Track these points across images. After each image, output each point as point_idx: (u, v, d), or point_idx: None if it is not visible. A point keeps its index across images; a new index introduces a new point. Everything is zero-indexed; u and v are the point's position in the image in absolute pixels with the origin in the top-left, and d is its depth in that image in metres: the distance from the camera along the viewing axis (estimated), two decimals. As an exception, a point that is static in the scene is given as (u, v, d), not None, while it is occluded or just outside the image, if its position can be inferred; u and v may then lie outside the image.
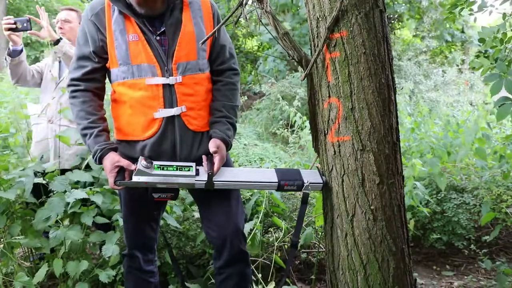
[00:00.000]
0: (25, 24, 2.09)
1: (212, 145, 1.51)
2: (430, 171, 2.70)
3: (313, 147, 1.68)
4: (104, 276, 1.90)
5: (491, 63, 1.67)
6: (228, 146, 1.57)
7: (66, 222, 2.03)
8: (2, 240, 2.19)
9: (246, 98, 7.12)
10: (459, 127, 3.50)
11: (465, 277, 2.54)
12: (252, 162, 5.66)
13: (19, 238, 1.98)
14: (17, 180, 1.75)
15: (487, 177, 2.82)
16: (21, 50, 2.25)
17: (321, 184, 1.54)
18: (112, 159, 1.44)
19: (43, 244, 1.92)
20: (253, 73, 10.67)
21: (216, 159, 1.50)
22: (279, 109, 7.08)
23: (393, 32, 9.74)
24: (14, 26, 2.07)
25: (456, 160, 3.01)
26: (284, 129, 5.97)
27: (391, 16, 9.59)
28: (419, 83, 8.00)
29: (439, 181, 2.57)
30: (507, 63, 1.58)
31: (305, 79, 1.61)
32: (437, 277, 2.61)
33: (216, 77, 1.64)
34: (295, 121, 3.89)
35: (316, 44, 1.49)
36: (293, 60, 1.63)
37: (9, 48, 2.21)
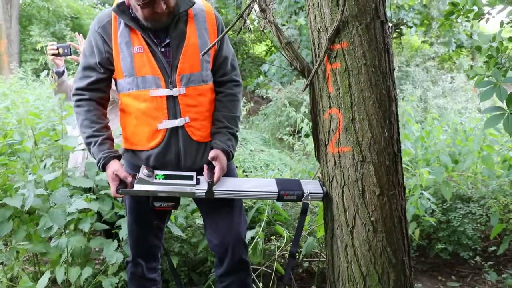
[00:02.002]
0: (66, 50, 2.33)
1: (211, 155, 1.52)
2: (435, 180, 2.67)
3: (315, 156, 1.68)
4: (107, 283, 1.91)
5: (486, 73, 1.65)
6: (229, 156, 1.58)
7: (70, 227, 2.06)
8: (8, 245, 2.22)
9: (252, 104, 7.13)
10: (467, 135, 3.46)
11: (471, 288, 2.51)
12: (258, 168, 5.67)
13: (23, 244, 2.01)
14: (19, 192, 1.77)
15: (494, 186, 2.78)
16: (63, 72, 2.45)
17: (321, 195, 1.53)
18: (113, 168, 1.46)
19: (48, 249, 1.94)
20: (260, 76, 10.69)
21: (216, 169, 1.51)
22: (285, 115, 7.09)
23: (400, 38, 9.71)
24: (56, 51, 2.32)
25: (463, 169, 2.97)
26: (290, 135, 5.97)
27: (399, 22, 9.56)
28: (427, 90, 7.94)
29: (445, 191, 2.54)
30: (502, 73, 1.56)
31: (308, 88, 1.61)
32: (442, 287, 2.57)
33: (217, 88, 1.66)
34: (302, 127, 3.88)
35: (317, 55, 1.49)
36: (296, 70, 1.64)
37: (52, 70, 2.45)
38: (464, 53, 10.44)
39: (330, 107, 1.48)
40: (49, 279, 1.94)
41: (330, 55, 1.44)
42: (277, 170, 4.17)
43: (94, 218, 1.98)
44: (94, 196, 1.89)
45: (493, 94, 1.56)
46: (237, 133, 1.64)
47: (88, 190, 2.10)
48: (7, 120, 2.68)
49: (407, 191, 2.60)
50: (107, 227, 2.00)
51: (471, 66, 2.25)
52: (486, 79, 1.60)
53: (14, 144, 2.26)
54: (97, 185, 2.03)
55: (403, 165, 2.91)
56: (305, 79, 1.59)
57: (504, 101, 1.58)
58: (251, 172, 5.33)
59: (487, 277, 2.51)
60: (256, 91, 9.49)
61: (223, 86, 1.65)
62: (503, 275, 2.49)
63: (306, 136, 4.07)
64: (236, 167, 5.21)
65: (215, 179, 1.48)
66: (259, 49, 13.24)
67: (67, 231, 1.90)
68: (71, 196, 2.04)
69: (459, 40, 9.45)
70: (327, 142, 1.52)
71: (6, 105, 3.11)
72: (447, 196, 2.57)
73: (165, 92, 1.49)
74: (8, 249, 2.10)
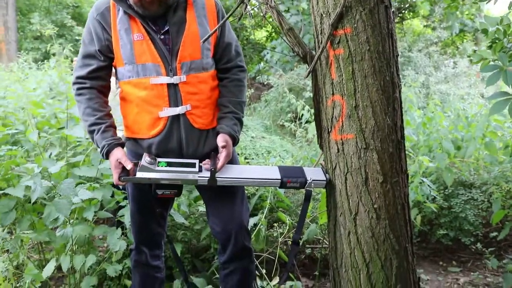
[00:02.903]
0: None
1: (221, 139, 1.51)
2: (437, 166, 2.67)
3: (318, 143, 1.67)
4: (112, 270, 1.93)
5: (491, 57, 1.61)
6: (235, 141, 1.58)
7: (74, 216, 2.07)
8: (12, 233, 2.24)
9: (253, 90, 7.08)
10: (469, 121, 3.44)
11: (472, 273, 2.53)
12: (259, 155, 5.67)
13: (28, 233, 2.02)
14: (25, 183, 1.77)
15: (497, 172, 2.78)
16: None
17: (324, 182, 1.53)
18: (116, 155, 1.46)
19: (52, 238, 1.95)
20: (261, 62, 10.60)
21: (223, 155, 1.50)
22: (287, 101, 7.05)
23: (403, 23, 9.58)
24: None
25: (465, 155, 2.96)
26: (291, 122, 5.95)
27: (402, 5, 9.41)
28: (429, 75, 7.86)
29: (446, 177, 2.54)
30: (509, 57, 1.53)
31: (310, 75, 1.60)
32: (443, 273, 2.59)
33: (222, 74, 1.64)
34: (303, 114, 3.86)
35: (320, 41, 1.47)
36: (298, 56, 1.62)
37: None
38: (467, 37, 10.31)
39: (333, 94, 1.46)
40: (55, 266, 1.97)
41: (333, 41, 1.41)
42: (279, 157, 4.17)
43: (98, 206, 1.99)
44: (97, 185, 1.90)
45: (499, 79, 1.54)
46: (242, 119, 1.63)
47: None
48: (4, 109, 2.67)
49: (409, 177, 2.60)
50: (110, 215, 2.01)
51: (475, 51, 2.22)
52: (492, 63, 1.57)
53: (17, 133, 2.26)
54: (102, 174, 2.03)
55: (406, 151, 2.91)
56: (307, 66, 1.57)
57: (511, 86, 1.56)
58: (253, 159, 5.33)
59: (488, 262, 2.53)
60: (257, 77, 9.42)
61: (228, 72, 1.63)
62: (503, 261, 2.51)
63: (308, 122, 4.06)
64: (238, 154, 5.23)
65: (219, 165, 1.47)
66: (260, 35, 13.10)
67: (71, 220, 1.91)
68: (76, 185, 2.06)
69: (462, 24, 9.31)
70: (330, 129, 1.51)
71: (5, 95, 3.10)
72: (449, 182, 2.57)
73: (165, 80, 1.48)
74: (12, 238, 2.12)
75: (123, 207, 2.06)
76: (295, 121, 6.48)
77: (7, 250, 2.27)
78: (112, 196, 2.03)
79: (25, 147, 2.54)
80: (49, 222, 1.77)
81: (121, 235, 1.94)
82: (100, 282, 2.14)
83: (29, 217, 2.04)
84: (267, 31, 12.10)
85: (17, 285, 2.05)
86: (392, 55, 1.42)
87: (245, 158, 5.37)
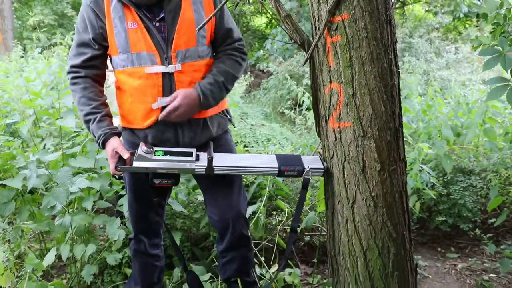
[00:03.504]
0: None
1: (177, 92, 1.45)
2: (437, 154, 2.66)
3: (316, 131, 1.67)
4: (112, 258, 1.95)
5: (491, 41, 1.58)
6: (201, 101, 1.48)
7: (73, 206, 2.07)
8: (13, 224, 2.26)
9: (252, 78, 7.01)
10: (470, 108, 3.41)
11: (470, 259, 2.54)
12: (259, 143, 5.66)
13: (28, 223, 2.03)
14: (21, 172, 1.77)
15: (496, 159, 2.77)
16: None
17: (322, 170, 1.53)
18: (112, 145, 1.46)
19: (52, 228, 1.96)
20: (261, 50, 10.49)
21: (168, 106, 1.44)
22: (286, 89, 7.01)
23: (404, 8, 9.43)
24: None
25: (465, 142, 2.95)
26: (291, 109, 5.92)
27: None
28: (430, 61, 7.78)
29: (445, 164, 2.53)
30: (509, 42, 1.50)
31: (308, 62, 1.58)
32: (441, 259, 2.61)
33: (220, 52, 1.61)
34: (303, 101, 3.84)
35: (317, 28, 1.45)
36: (296, 43, 1.60)
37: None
38: (470, 23, 10.16)
39: (330, 81, 1.45)
40: (55, 256, 1.98)
41: (330, 28, 1.39)
42: (278, 145, 4.16)
43: (97, 196, 1.99)
44: (96, 175, 1.90)
45: (497, 64, 1.51)
46: (226, 87, 1.54)
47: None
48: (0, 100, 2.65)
49: (407, 164, 2.59)
50: (109, 205, 2.01)
51: (477, 37, 2.19)
52: (491, 48, 1.54)
53: (14, 124, 2.25)
54: (101, 167, 2.03)
55: (404, 139, 2.90)
56: (305, 53, 1.55)
57: (509, 72, 1.53)
58: (252, 147, 5.32)
59: (486, 248, 2.54)
60: (257, 64, 9.34)
61: (227, 50, 1.60)
62: (501, 246, 2.52)
63: (308, 109, 4.04)
64: (237, 142, 5.21)
65: (162, 114, 1.44)
66: (260, 21, 12.95)
67: (70, 210, 1.91)
68: (74, 175, 2.06)
69: (466, 4, 9.12)
70: (327, 117, 1.50)
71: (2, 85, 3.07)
72: (448, 169, 2.57)
73: (160, 69, 1.46)
74: (13, 228, 2.13)
75: (123, 196, 2.06)
76: (295, 108, 6.45)
77: (8, 240, 2.28)
78: (111, 185, 2.04)
79: (23, 137, 2.53)
80: (47, 210, 1.77)
81: (120, 225, 1.95)
82: (101, 270, 2.16)
83: (28, 208, 2.04)
84: (267, 17, 11.95)
85: (19, 274, 2.07)
86: (390, 42, 1.40)
87: (245, 146, 5.36)
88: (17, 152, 2.08)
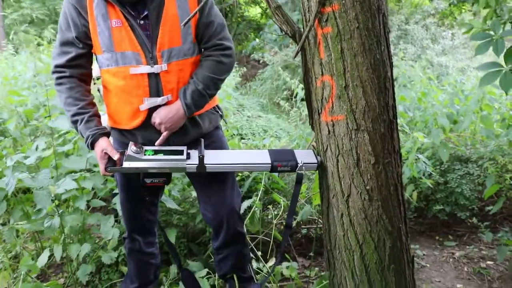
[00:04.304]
0: None
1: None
2: (433, 142, 2.64)
3: (310, 124, 1.64)
4: (107, 257, 1.94)
5: (482, 26, 1.55)
6: (185, 111, 1.48)
7: (68, 205, 2.05)
8: (6, 224, 2.23)
9: (245, 69, 6.91)
10: (466, 95, 3.38)
11: (467, 247, 2.54)
12: (255, 135, 5.63)
13: (21, 223, 2.01)
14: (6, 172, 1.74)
15: (493, 146, 2.75)
16: None
17: (316, 165, 1.51)
18: (101, 145, 1.43)
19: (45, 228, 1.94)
20: (256, 39, 10.38)
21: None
22: (282, 79, 6.94)
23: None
24: None
25: (461, 129, 2.93)
26: (288, 99, 5.88)
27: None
28: (426, 48, 7.71)
29: (442, 153, 2.52)
30: (502, 25, 1.47)
31: (300, 55, 1.54)
32: (439, 247, 2.61)
33: (202, 54, 1.57)
34: (297, 93, 3.80)
35: (308, 19, 1.41)
36: (287, 35, 1.56)
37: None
38: (466, 7, 10.06)
39: (322, 74, 1.41)
40: (51, 256, 1.97)
41: (320, 19, 1.35)
42: (274, 137, 4.13)
43: (90, 195, 1.97)
44: (87, 174, 1.87)
45: (489, 48, 1.48)
46: (206, 93, 1.51)
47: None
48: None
49: (404, 153, 2.57)
50: (103, 203, 1.99)
51: (473, 14, 2.15)
52: (482, 32, 1.51)
53: (2, 123, 2.21)
54: (94, 165, 2.00)
55: (400, 128, 2.88)
56: (296, 45, 1.51)
57: (502, 56, 1.50)
58: (249, 139, 5.29)
59: (483, 236, 2.54)
60: (251, 55, 9.26)
61: (206, 51, 1.55)
62: (498, 234, 2.52)
63: (302, 101, 4.00)
64: (233, 134, 5.16)
65: (158, 141, 1.48)
66: (254, 11, 12.80)
67: (60, 211, 1.89)
68: (66, 174, 2.03)
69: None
70: (320, 110, 1.47)
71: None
72: (444, 158, 2.55)
73: (146, 69, 1.41)
74: (7, 229, 2.11)
75: (117, 194, 2.04)
76: (292, 99, 6.41)
77: (4, 241, 2.27)
78: (105, 183, 2.01)
79: (14, 136, 2.50)
80: (33, 213, 1.75)
81: (114, 223, 1.93)
82: (98, 268, 2.15)
83: (21, 207, 2.02)
84: (261, 7, 11.82)
85: (15, 275, 2.05)
86: (382, 32, 1.36)
87: (242, 138, 5.33)
88: (8, 151, 2.06)
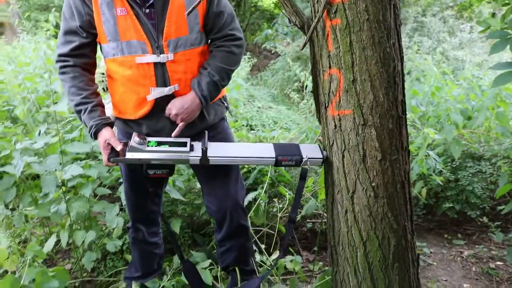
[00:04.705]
0: None
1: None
2: (445, 139, 2.58)
3: (317, 118, 1.61)
4: (111, 245, 1.95)
5: (500, 24, 1.48)
6: (202, 102, 1.48)
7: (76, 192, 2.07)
8: (16, 210, 2.27)
9: (255, 60, 6.83)
10: (483, 90, 3.28)
11: (477, 246, 2.49)
12: (265, 126, 5.61)
13: (30, 209, 2.04)
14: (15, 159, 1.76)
15: (508, 144, 2.67)
16: None
17: (321, 160, 1.48)
18: (104, 136, 1.42)
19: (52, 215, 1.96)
20: (269, 29, 10.26)
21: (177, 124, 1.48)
22: (294, 70, 6.87)
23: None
24: None
25: (475, 126, 2.85)
26: (298, 91, 5.82)
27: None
28: (442, 41, 7.50)
29: (454, 150, 2.45)
30: None
31: (309, 46, 1.51)
32: (448, 245, 2.57)
33: (212, 44, 1.55)
34: (307, 85, 3.75)
35: (316, 10, 1.37)
36: (296, 26, 1.52)
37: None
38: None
39: (330, 67, 1.38)
40: (59, 242, 1.99)
41: (329, 11, 1.31)
42: (282, 129, 4.09)
43: (96, 183, 1.98)
44: (93, 163, 1.88)
45: (505, 47, 1.42)
46: (220, 84, 1.51)
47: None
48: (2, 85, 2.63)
49: (413, 149, 2.52)
50: (109, 191, 2.00)
51: (493, 14, 2.06)
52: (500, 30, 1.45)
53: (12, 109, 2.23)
54: (100, 153, 2.00)
55: (412, 123, 2.82)
56: (305, 36, 1.47)
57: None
58: (259, 130, 5.27)
59: (493, 236, 2.49)
60: (263, 45, 9.17)
61: (217, 41, 1.53)
62: (509, 234, 2.46)
63: (312, 92, 3.94)
64: (243, 125, 5.13)
65: (175, 132, 1.47)
66: (268, 1, 12.65)
67: (67, 197, 1.91)
68: (72, 161, 2.05)
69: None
70: (327, 104, 1.44)
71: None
72: (456, 155, 2.49)
73: (152, 58, 1.40)
74: (16, 215, 2.14)
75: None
76: (303, 90, 6.34)
77: (14, 225, 2.31)
78: (110, 172, 2.02)
79: (26, 122, 2.52)
80: (40, 198, 1.77)
81: (119, 212, 1.94)
82: (104, 256, 2.18)
83: (30, 193, 2.05)
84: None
85: (23, 259, 2.09)
86: (393, 25, 1.32)
87: (251, 129, 5.32)
88: (17, 138, 2.07)
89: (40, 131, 1.92)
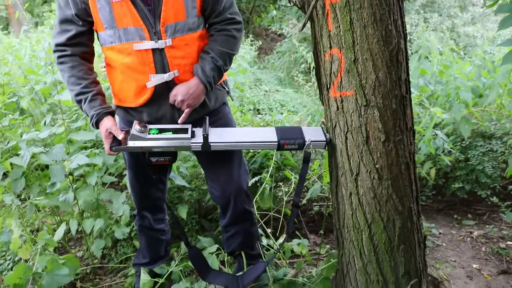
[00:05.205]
0: None
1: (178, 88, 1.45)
2: (454, 118, 2.52)
3: (320, 100, 1.58)
4: (119, 233, 1.98)
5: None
6: (206, 87, 1.47)
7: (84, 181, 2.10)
8: (26, 200, 2.31)
9: (260, 42, 6.74)
10: (496, 66, 3.18)
11: (487, 226, 2.46)
12: (273, 109, 5.57)
13: (39, 199, 2.07)
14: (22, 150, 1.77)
15: (520, 121, 2.61)
16: None
17: (324, 143, 1.46)
18: (106, 125, 1.42)
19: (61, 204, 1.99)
20: (274, 10, 10.08)
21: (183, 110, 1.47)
22: (300, 52, 6.77)
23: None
24: None
25: (486, 104, 2.77)
26: (305, 74, 5.74)
27: None
28: (454, 17, 7.26)
29: (463, 129, 2.40)
30: None
31: (310, 26, 1.47)
32: (457, 226, 2.54)
33: (211, 28, 1.53)
34: (313, 67, 3.68)
35: (315, -12, 1.32)
36: (296, 6, 1.48)
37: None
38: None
39: (330, 47, 1.34)
40: (67, 230, 2.03)
41: (328, -12, 1.27)
42: (291, 112, 4.05)
43: (102, 171, 2.00)
44: (98, 151, 1.89)
45: (515, 22, 1.36)
46: (223, 68, 1.50)
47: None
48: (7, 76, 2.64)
49: (421, 129, 2.47)
50: (114, 179, 2.02)
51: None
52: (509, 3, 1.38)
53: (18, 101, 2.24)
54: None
55: (419, 102, 2.75)
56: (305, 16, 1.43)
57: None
58: (266, 113, 5.24)
59: (504, 216, 2.45)
60: (269, 27, 9.01)
61: (216, 24, 1.51)
62: (521, 213, 2.42)
63: (319, 74, 3.87)
64: (250, 109, 5.08)
65: (181, 119, 1.46)
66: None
67: (74, 186, 1.93)
68: (78, 150, 2.06)
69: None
70: (328, 85, 1.41)
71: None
72: (465, 134, 2.43)
73: (150, 45, 1.37)
74: (28, 204, 2.18)
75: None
76: (310, 72, 6.25)
77: (26, 215, 2.35)
78: (116, 160, 2.03)
79: (33, 114, 2.54)
80: (48, 187, 1.79)
81: (125, 200, 1.96)
82: (114, 242, 2.22)
83: (38, 183, 2.08)
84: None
85: (35, 248, 2.14)
86: (396, 1, 1.27)
87: (259, 113, 5.29)
88: (23, 129, 2.09)
89: (45, 121, 1.93)
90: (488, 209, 2.62)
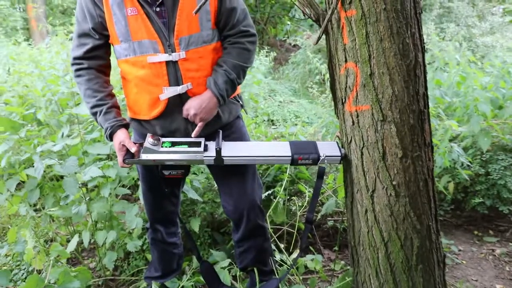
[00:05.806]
0: None
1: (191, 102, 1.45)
2: (472, 130, 2.45)
3: (335, 114, 1.55)
4: (132, 245, 1.97)
5: None
6: (219, 100, 1.47)
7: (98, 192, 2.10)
8: (41, 210, 2.34)
9: (274, 53, 6.75)
10: (515, 77, 3.08)
11: (510, 244, 2.36)
12: (287, 120, 5.55)
13: (53, 210, 2.09)
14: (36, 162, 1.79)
15: (543, 134, 2.51)
16: None
17: (339, 158, 1.43)
18: (119, 138, 1.42)
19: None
20: (289, 23, 10.12)
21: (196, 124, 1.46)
22: (315, 63, 6.75)
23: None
24: None
25: (506, 115, 2.69)
26: (319, 85, 5.71)
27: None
28: (472, 27, 7.14)
29: (482, 142, 2.32)
30: None
31: (325, 40, 1.45)
32: (478, 243, 2.45)
33: (225, 40, 1.53)
34: (328, 78, 3.65)
35: (330, 1, 1.31)
36: (310, 19, 1.47)
37: None
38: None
39: (346, 60, 1.32)
40: (80, 241, 2.03)
41: (344, 1, 1.25)
42: (305, 123, 4.01)
43: (115, 183, 2.00)
44: (111, 163, 1.89)
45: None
46: (236, 81, 1.49)
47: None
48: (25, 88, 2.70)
49: (437, 141, 2.41)
50: (127, 191, 2.02)
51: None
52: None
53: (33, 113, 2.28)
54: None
55: (437, 115, 2.69)
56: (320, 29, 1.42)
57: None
58: (280, 125, 5.22)
59: (528, 232, 2.35)
60: (285, 39, 9.04)
61: (230, 37, 1.51)
62: (546, 231, 2.32)
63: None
64: (264, 120, 5.07)
65: (194, 132, 1.46)
66: (288, -8, 12.45)
67: (88, 197, 1.94)
68: (92, 162, 2.08)
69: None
70: (344, 100, 1.38)
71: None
72: (484, 147, 2.36)
73: (164, 57, 1.38)
74: (41, 215, 2.20)
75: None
76: (324, 83, 6.21)
77: (39, 225, 2.37)
78: (129, 172, 2.03)
79: (52, 124, 2.58)
80: (62, 199, 1.80)
81: (138, 212, 1.96)
82: (126, 254, 2.21)
83: (53, 194, 2.10)
84: (294, -12, 11.45)
85: (47, 259, 2.15)
86: (413, 13, 1.24)
87: (273, 124, 5.27)
88: (39, 141, 2.12)
89: (63, 133, 1.96)
90: (511, 225, 2.52)
